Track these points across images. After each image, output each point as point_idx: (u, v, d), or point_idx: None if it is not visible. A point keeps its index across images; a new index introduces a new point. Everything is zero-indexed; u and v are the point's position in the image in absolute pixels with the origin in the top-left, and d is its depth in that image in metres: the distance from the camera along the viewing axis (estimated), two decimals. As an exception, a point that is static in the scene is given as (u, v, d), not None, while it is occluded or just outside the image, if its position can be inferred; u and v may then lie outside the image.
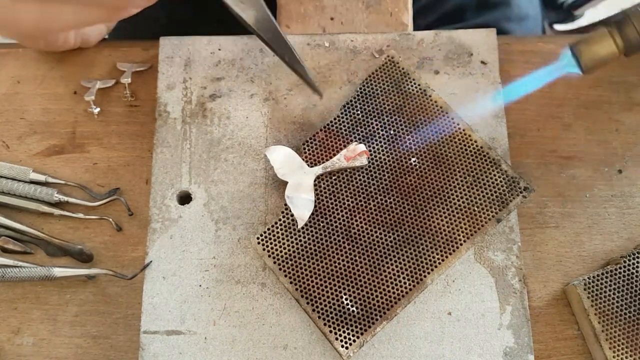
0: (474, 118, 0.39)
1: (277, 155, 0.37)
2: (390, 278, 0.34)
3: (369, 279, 0.34)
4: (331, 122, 0.38)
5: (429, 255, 0.34)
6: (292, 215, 0.35)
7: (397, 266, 0.34)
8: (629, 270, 0.36)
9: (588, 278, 0.36)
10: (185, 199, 0.38)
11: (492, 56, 0.40)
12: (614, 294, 0.36)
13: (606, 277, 0.36)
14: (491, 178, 0.36)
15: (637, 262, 0.36)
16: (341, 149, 0.37)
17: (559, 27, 0.80)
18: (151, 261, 0.36)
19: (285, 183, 0.37)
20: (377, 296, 0.33)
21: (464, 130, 0.37)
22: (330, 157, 0.37)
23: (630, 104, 0.42)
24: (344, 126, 0.37)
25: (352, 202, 0.35)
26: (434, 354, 0.34)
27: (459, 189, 0.36)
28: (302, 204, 0.35)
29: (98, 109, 0.41)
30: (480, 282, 0.36)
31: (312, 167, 0.36)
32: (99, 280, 0.38)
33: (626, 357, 0.34)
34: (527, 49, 0.43)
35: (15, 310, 0.38)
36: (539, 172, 0.40)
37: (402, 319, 0.35)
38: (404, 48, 0.41)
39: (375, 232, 0.35)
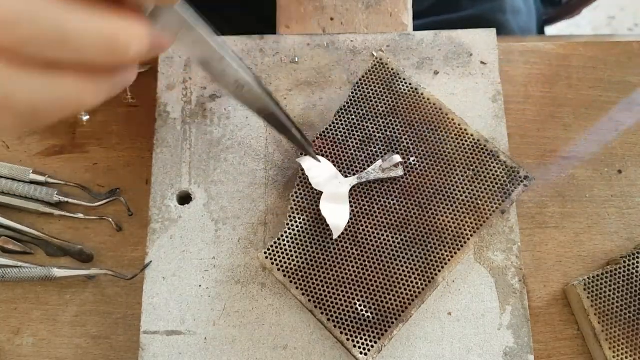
0: (473, 117, 0.39)
1: (311, 165, 0.36)
2: (402, 280, 0.34)
3: (380, 283, 0.34)
4: (327, 129, 0.37)
5: (438, 253, 0.34)
6: (297, 226, 0.35)
7: (407, 267, 0.34)
8: (629, 270, 0.36)
9: (588, 278, 0.36)
10: (185, 199, 0.38)
11: (491, 56, 0.40)
12: (614, 294, 0.36)
13: (606, 277, 0.36)
14: (491, 170, 0.36)
15: (637, 262, 0.36)
16: (339, 155, 0.37)
17: (549, 30, 0.80)
18: (151, 261, 0.36)
19: (284, 184, 0.37)
20: (390, 299, 0.33)
21: (459, 124, 0.37)
22: (344, 158, 0.36)
23: (630, 104, 0.42)
24: (340, 132, 0.37)
25: (356, 207, 0.35)
26: (434, 354, 0.34)
27: (461, 184, 0.36)
28: (338, 213, 0.35)
29: (87, 117, 0.41)
30: (480, 282, 0.36)
31: (346, 177, 0.36)
32: (99, 281, 0.38)
33: (626, 357, 0.34)
34: (527, 49, 0.43)
35: (15, 310, 0.38)
36: (539, 172, 0.40)
37: (402, 319, 0.35)
38: (404, 48, 0.41)
39: (382, 235, 0.35)
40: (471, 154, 0.37)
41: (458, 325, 0.35)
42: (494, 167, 0.36)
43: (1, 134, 0.32)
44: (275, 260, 0.34)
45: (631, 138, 0.41)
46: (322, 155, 0.37)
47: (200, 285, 0.35)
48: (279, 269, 0.34)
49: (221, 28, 0.41)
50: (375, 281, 0.34)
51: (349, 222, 0.35)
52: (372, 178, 0.36)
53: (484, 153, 0.36)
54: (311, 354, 0.34)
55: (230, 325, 0.35)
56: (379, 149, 0.37)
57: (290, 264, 0.34)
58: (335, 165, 0.36)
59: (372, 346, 0.32)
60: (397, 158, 0.36)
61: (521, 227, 0.39)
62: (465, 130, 0.37)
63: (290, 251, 0.34)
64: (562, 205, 0.40)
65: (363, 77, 0.38)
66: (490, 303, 0.35)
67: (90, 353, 0.37)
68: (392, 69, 0.38)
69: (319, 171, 0.35)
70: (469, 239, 0.35)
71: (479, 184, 0.36)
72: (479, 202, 0.35)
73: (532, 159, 0.41)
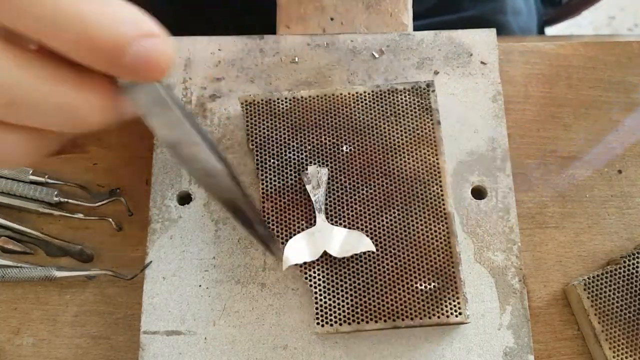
0: (474, 117, 0.39)
1: (294, 253, 0.34)
2: (428, 242, 0.34)
3: (416, 257, 0.34)
4: (263, 191, 0.36)
5: (431, 200, 0.35)
6: (319, 280, 0.34)
7: (422, 232, 0.35)
8: (629, 270, 0.36)
9: (588, 278, 0.36)
10: (185, 199, 0.38)
11: (491, 56, 0.40)
12: (614, 294, 0.36)
13: (606, 277, 0.36)
14: (401, 103, 0.37)
15: (637, 262, 0.36)
16: (294, 200, 0.36)
17: (549, 30, 0.81)
18: (151, 261, 0.36)
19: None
20: (436, 262, 0.34)
21: (348, 93, 0.38)
22: (292, 210, 0.35)
23: (630, 104, 0.42)
24: (275, 180, 0.36)
25: (345, 224, 0.35)
26: (434, 354, 0.34)
27: (392, 135, 0.37)
28: (348, 240, 0.34)
29: None
30: (480, 282, 0.36)
31: (309, 226, 0.35)
32: (99, 281, 0.38)
33: (626, 357, 0.34)
34: (527, 49, 0.43)
35: (15, 310, 0.38)
36: (539, 172, 0.40)
37: (402, 319, 0.35)
38: (404, 48, 0.41)
39: (380, 227, 0.35)
40: (376, 104, 0.37)
41: (458, 325, 0.35)
42: (401, 99, 0.37)
43: None
44: (328, 322, 0.33)
45: (631, 138, 0.41)
46: (284, 210, 0.35)
47: (200, 285, 0.35)
48: (341, 324, 0.33)
49: (221, 27, 0.41)
50: (411, 259, 0.34)
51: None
52: (322, 199, 0.35)
53: (384, 96, 0.38)
54: (311, 354, 0.34)
55: (230, 325, 0.35)
56: (314, 161, 0.37)
57: (340, 310, 0.33)
58: (300, 207, 0.35)
59: (459, 305, 0.33)
60: (309, 170, 0.36)
61: (521, 227, 0.39)
62: (356, 92, 0.38)
63: (334, 303, 0.33)
64: (562, 205, 0.40)
65: (247, 127, 0.37)
66: (490, 303, 0.35)
67: (90, 353, 0.37)
68: (262, 100, 0.38)
69: (298, 250, 0.34)
70: (437, 164, 0.36)
71: (403, 121, 0.37)
72: (418, 132, 0.37)
73: (532, 159, 0.41)
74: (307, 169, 0.36)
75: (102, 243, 0.39)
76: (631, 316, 0.35)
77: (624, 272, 0.36)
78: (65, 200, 0.39)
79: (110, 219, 0.39)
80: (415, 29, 0.43)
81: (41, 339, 0.37)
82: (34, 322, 0.37)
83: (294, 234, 0.35)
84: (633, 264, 0.36)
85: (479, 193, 0.38)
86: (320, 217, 0.35)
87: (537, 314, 0.37)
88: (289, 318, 0.35)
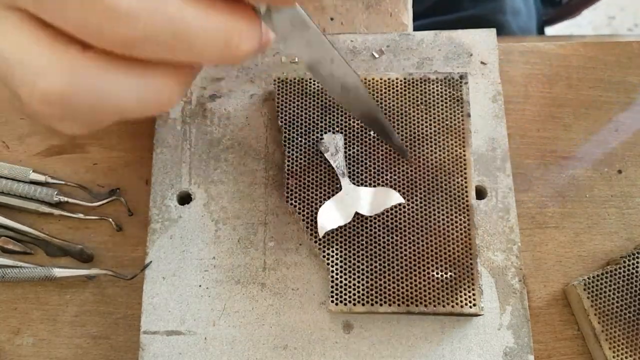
0: (473, 117, 0.39)
1: (328, 219, 0.34)
2: (449, 233, 0.34)
3: (438, 246, 0.34)
4: (288, 166, 0.36)
5: (454, 192, 0.35)
6: (337, 260, 0.34)
7: (443, 223, 0.35)
8: (629, 270, 0.36)
9: (588, 278, 0.36)
10: (185, 199, 0.38)
11: (491, 56, 0.40)
12: (613, 294, 0.36)
13: (606, 277, 0.36)
14: (433, 93, 0.37)
15: (637, 262, 0.36)
16: (317, 177, 0.36)
17: (549, 30, 0.81)
18: (151, 261, 0.36)
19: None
20: (453, 253, 0.34)
21: (380, 78, 0.38)
22: (314, 188, 0.36)
23: (630, 104, 0.42)
24: (300, 159, 0.36)
25: None
26: (434, 354, 0.34)
27: (421, 123, 0.37)
28: (375, 198, 0.35)
29: None
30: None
31: (331, 194, 0.35)
32: (99, 281, 0.38)
33: (626, 357, 0.34)
34: (527, 49, 0.43)
35: (15, 310, 0.38)
36: (539, 172, 0.40)
37: (402, 319, 0.35)
38: (404, 48, 0.41)
39: (402, 211, 0.35)
40: (407, 92, 0.38)
41: (458, 325, 0.35)
42: (433, 88, 0.38)
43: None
44: (343, 301, 0.33)
45: (631, 138, 0.41)
46: (305, 187, 0.36)
47: (200, 285, 0.35)
48: (355, 304, 0.33)
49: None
50: (430, 247, 0.34)
51: (368, 222, 0.35)
52: (343, 163, 0.36)
53: (416, 84, 0.38)
54: (311, 354, 0.34)
55: (230, 325, 0.35)
56: (331, 132, 0.37)
57: (356, 291, 0.33)
58: (323, 186, 0.36)
59: (474, 296, 0.33)
60: (325, 137, 0.36)
61: (521, 227, 0.39)
62: (389, 78, 0.38)
63: (350, 283, 0.34)
64: (562, 205, 0.40)
65: (277, 105, 0.38)
66: (490, 303, 0.35)
67: (90, 353, 0.37)
68: (295, 79, 0.38)
69: (331, 216, 0.35)
70: (464, 156, 0.36)
71: (433, 111, 0.37)
72: (447, 123, 0.37)
73: (532, 159, 0.41)
74: (322, 138, 0.36)
75: (102, 243, 0.39)
76: (631, 316, 0.35)
77: (624, 272, 0.36)
78: (65, 200, 0.39)
79: (110, 219, 0.39)
80: (415, 29, 0.43)
81: (41, 339, 0.37)
82: (34, 322, 0.37)
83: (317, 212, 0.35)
84: (633, 264, 0.36)
85: (479, 193, 0.38)
86: (345, 181, 0.35)
87: (537, 314, 0.37)
88: (289, 318, 0.35)
